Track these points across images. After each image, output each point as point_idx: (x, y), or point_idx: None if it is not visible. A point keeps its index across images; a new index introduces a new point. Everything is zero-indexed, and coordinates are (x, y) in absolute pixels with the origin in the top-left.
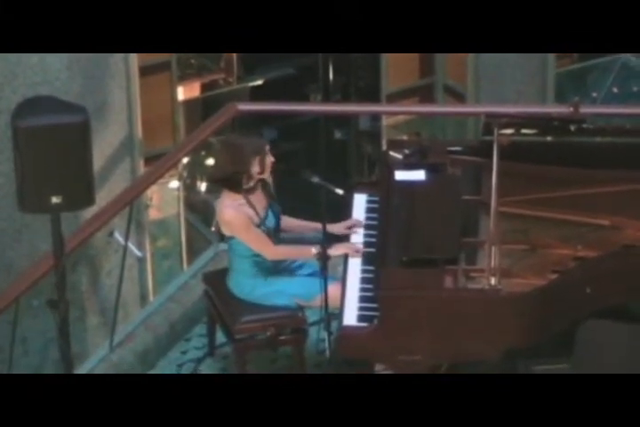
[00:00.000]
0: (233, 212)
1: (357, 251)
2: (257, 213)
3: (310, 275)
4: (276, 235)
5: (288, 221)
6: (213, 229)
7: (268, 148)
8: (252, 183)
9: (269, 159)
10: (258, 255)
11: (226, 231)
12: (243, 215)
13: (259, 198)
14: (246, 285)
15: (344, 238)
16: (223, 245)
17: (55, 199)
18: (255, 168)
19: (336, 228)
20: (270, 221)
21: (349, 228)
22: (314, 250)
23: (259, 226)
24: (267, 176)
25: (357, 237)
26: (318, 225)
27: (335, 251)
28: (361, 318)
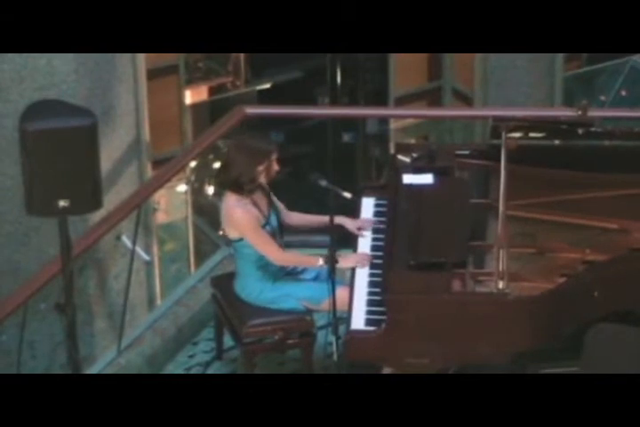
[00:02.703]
0: (242, 211)
1: (366, 262)
2: (262, 213)
3: (315, 278)
4: (280, 236)
5: (296, 217)
6: (221, 232)
7: (275, 155)
8: (251, 186)
9: (275, 167)
10: (263, 258)
11: (233, 233)
12: (251, 214)
13: (260, 198)
14: (254, 288)
15: (351, 242)
16: (231, 249)
17: (63, 203)
18: (261, 175)
19: (348, 223)
20: (274, 221)
21: (360, 228)
22: (320, 261)
23: (264, 226)
24: (266, 181)
25: (365, 241)
26: (327, 218)
27: (345, 263)
28: (369, 322)
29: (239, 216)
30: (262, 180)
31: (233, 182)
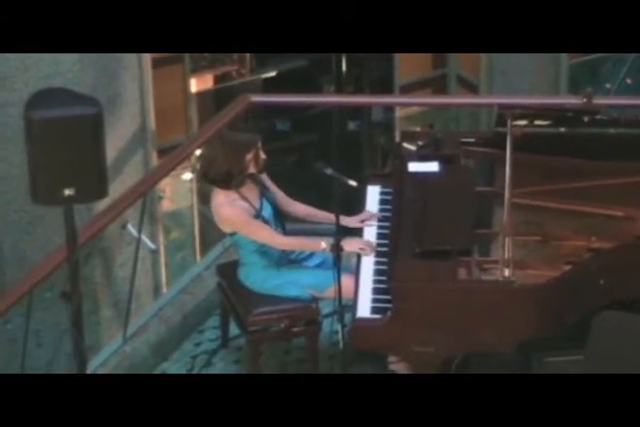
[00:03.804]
0: (230, 208)
1: (371, 248)
2: (252, 205)
3: (319, 265)
4: (277, 223)
5: (300, 208)
6: None
7: (259, 144)
8: (242, 178)
9: (262, 155)
10: (264, 247)
11: (226, 228)
12: (240, 210)
13: (250, 190)
14: (258, 276)
15: (357, 231)
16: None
17: (68, 191)
18: (249, 165)
19: (350, 221)
20: (267, 211)
21: (363, 221)
22: (323, 244)
23: (256, 218)
24: (255, 171)
25: (371, 229)
26: (332, 216)
27: (348, 246)
28: (374, 310)
29: (228, 214)
30: (252, 169)
31: (223, 177)
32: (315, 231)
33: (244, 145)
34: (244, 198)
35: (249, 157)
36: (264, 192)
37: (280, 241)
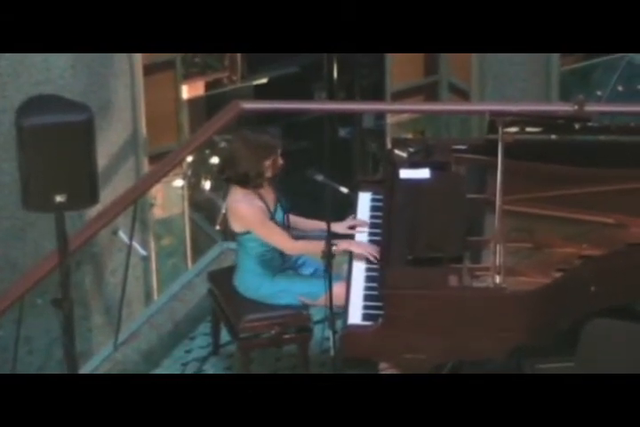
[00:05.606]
0: (247, 206)
1: (376, 255)
2: (268, 207)
3: (314, 272)
4: (287, 230)
5: (293, 219)
6: (218, 227)
7: (280, 150)
8: (259, 180)
9: (280, 161)
10: (267, 253)
11: (239, 227)
12: (257, 209)
13: (268, 193)
14: (252, 283)
15: (347, 238)
16: (228, 244)
17: (59, 198)
18: (267, 169)
19: (337, 227)
20: (279, 216)
21: (352, 227)
22: (333, 247)
23: (270, 219)
24: (272, 176)
25: (362, 236)
26: (321, 224)
27: (357, 248)
28: (366, 317)
29: (244, 211)
30: (269, 174)
31: (241, 178)
32: (306, 239)
33: (266, 149)
34: (262, 199)
35: (268, 162)
36: (279, 197)
37: (290, 245)
